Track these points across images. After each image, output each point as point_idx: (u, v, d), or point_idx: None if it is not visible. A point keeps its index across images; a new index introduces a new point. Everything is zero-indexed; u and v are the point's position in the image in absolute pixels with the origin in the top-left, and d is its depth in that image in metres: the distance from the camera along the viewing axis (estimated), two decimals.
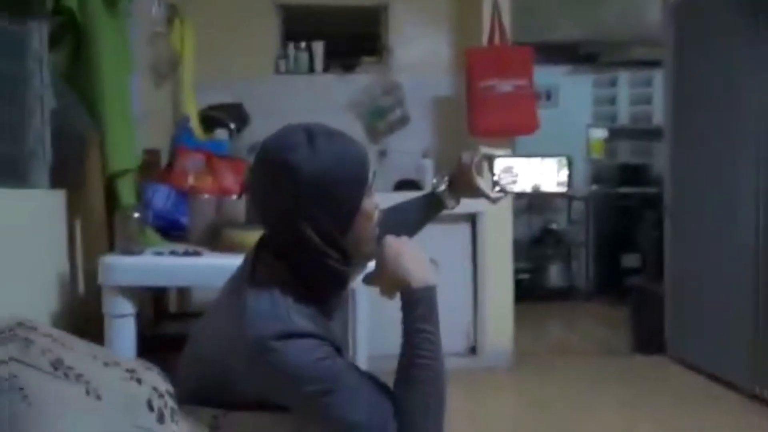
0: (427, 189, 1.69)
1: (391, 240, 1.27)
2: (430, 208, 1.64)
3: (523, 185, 1.55)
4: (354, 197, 1.21)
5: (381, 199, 1.62)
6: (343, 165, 1.18)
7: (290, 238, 1.21)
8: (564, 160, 1.55)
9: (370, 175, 1.23)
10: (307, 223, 1.18)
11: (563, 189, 1.54)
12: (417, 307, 1.23)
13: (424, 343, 1.21)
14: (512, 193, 1.57)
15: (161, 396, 1.23)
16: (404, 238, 1.29)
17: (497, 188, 1.58)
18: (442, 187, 1.60)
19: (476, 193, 1.56)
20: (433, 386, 1.20)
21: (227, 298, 1.27)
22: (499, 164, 1.55)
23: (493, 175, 1.55)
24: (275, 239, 1.25)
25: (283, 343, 1.13)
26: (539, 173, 1.56)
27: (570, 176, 1.51)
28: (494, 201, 1.58)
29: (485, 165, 1.56)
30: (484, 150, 1.55)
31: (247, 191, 1.27)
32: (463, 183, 1.57)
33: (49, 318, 1.85)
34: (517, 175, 1.56)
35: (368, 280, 1.31)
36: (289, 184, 1.17)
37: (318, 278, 1.23)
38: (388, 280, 1.26)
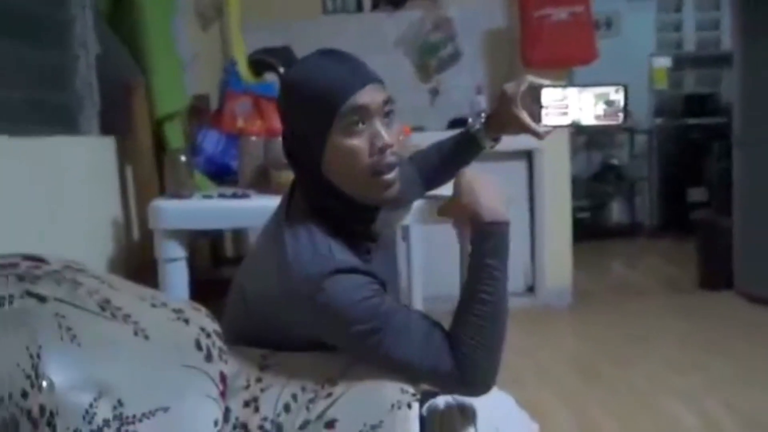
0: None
1: (467, 171, 1.24)
2: (464, 149, 1.52)
3: (563, 119, 1.39)
4: (316, 121, 1.13)
5: (433, 139, 1.54)
6: (310, 83, 1.13)
7: (287, 155, 1.22)
8: (616, 90, 1.40)
9: (345, 106, 1.11)
10: (287, 143, 1.20)
11: (611, 122, 1.32)
12: (486, 241, 1.17)
13: (487, 278, 1.15)
14: (557, 126, 1.41)
15: (209, 335, 1.22)
16: (481, 171, 1.24)
17: (544, 122, 1.40)
18: (477, 126, 1.48)
19: (521, 127, 1.41)
20: (491, 323, 1.13)
21: (267, 240, 1.24)
22: (547, 95, 1.40)
23: (540, 107, 1.39)
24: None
25: (329, 280, 1.10)
26: (578, 106, 1.40)
27: (626, 107, 1.33)
28: (541, 136, 1.42)
29: (528, 97, 1.41)
30: (531, 79, 1.41)
31: None
32: (505, 117, 1.42)
33: (105, 262, 1.88)
34: (567, 107, 1.42)
35: (442, 211, 1.27)
36: (280, 95, 1.20)
37: (328, 207, 1.19)
38: (460, 211, 1.22)
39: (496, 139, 1.50)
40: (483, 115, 1.50)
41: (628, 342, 3.29)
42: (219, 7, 3.20)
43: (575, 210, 5.28)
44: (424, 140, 2.91)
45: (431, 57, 4.20)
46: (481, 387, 1.14)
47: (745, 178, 3.93)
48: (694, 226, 4.35)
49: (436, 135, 3.76)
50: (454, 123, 4.04)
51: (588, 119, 1.38)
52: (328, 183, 1.17)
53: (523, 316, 3.63)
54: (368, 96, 1.13)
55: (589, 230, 5.52)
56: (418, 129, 3.95)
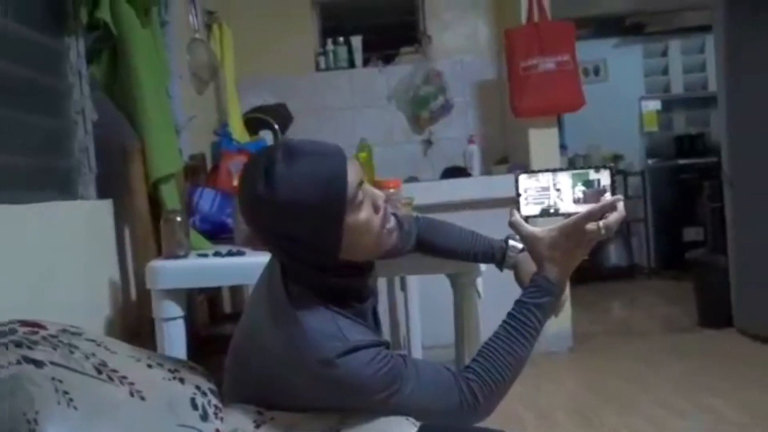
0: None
1: (572, 227, 1.23)
2: (479, 257, 1.57)
3: (537, 208, 1.29)
4: (327, 221, 1.13)
5: (427, 189, 1.54)
6: (306, 192, 1.10)
7: (281, 262, 1.23)
8: (597, 171, 1.32)
9: (349, 191, 1.13)
10: (286, 252, 1.18)
11: (592, 206, 1.24)
12: (543, 297, 1.25)
13: (531, 328, 1.24)
14: (530, 216, 1.30)
15: (204, 394, 1.25)
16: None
17: (522, 212, 1.32)
18: (508, 259, 1.51)
19: (509, 225, 1.35)
20: (518, 367, 1.23)
21: (271, 320, 1.23)
22: (524, 182, 1.30)
23: (517, 194, 1.31)
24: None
25: (343, 360, 1.13)
26: (555, 189, 1.29)
27: (613, 188, 1.22)
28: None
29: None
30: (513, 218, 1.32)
31: None
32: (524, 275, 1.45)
33: (104, 322, 1.91)
34: (545, 194, 1.29)
35: (521, 230, 1.29)
36: (256, 218, 1.17)
37: (330, 293, 1.20)
38: (535, 249, 1.26)
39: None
40: (521, 248, 1.48)
41: (630, 385, 3.28)
42: (214, 69, 3.29)
43: None
44: (418, 190, 2.97)
45: (423, 109, 4.29)
46: (486, 416, 1.24)
47: (737, 217, 3.97)
48: (691, 265, 4.37)
49: (430, 185, 3.82)
50: (448, 172, 4.12)
51: (566, 204, 1.28)
52: (345, 263, 1.20)
53: None
54: (352, 169, 1.16)
55: (587, 273, 5.53)
56: (413, 179, 4.02)
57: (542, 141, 3.81)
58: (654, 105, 6.23)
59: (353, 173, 1.15)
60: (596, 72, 6.17)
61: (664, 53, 6.32)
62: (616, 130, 6.00)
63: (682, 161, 5.93)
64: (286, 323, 1.18)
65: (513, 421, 2.87)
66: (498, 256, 1.53)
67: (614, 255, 5.88)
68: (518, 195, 1.31)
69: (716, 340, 3.89)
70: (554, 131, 3.88)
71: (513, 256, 1.51)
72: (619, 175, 5.94)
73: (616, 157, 5.94)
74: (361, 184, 1.17)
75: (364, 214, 1.17)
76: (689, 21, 5.85)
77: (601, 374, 3.49)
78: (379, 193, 1.21)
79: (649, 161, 6.07)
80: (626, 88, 6.17)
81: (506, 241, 1.53)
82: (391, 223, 1.23)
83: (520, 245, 1.48)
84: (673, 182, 5.91)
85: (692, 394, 3.08)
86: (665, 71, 6.35)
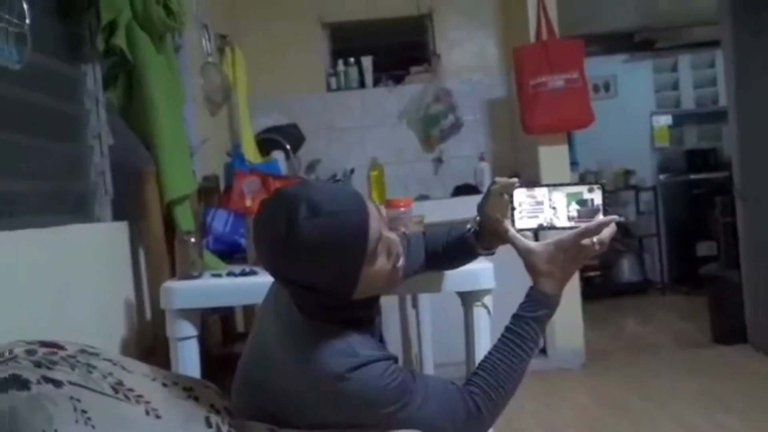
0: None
1: (568, 242, 1.28)
2: (461, 249, 1.52)
3: (534, 221, 1.32)
4: (345, 276, 1.16)
5: (438, 207, 1.55)
6: (327, 251, 1.12)
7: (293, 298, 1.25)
8: (591, 189, 1.34)
9: (369, 249, 1.15)
10: (299, 293, 1.22)
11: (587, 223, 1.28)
12: (540, 309, 1.29)
13: (529, 340, 1.28)
14: (527, 229, 1.33)
15: (218, 412, 1.28)
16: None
17: (518, 225, 1.34)
18: (471, 232, 1.46)
19: (502, 240, 1.38)
20: (518, 377, 1.28)
21: (281, 334, 1.27)
22: (519, 195, 1.34)
23: (512, 208, 1.33)
24: None
25: (354, 374, 1.16)
26: (550, 207, 1.32)
27: (605, 206, 1.23)
28: (521, 251, 1.34)
29: (502, 200, 1.36)
30: (498, 180, 1.37)
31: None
32: (488, 232, 1.42)
33: (119, 342, 1.94)
34: (541, 208, 1.31)
35: (518, 242, 1.32)
36: (272, 262, 1.20)
37: (341, 320, 1.23)
38: (532, 261, 1.29)
39: (489, 248, 1.48)
40: (477, 219, 1.45)
41: (644, 402, 3.27)
42: (227, 91, 3.34)
43: (586, 270, 5.29)
44: (429, 208, 2.99)
45: (433, 128, 4.33)
46: (488, 428, 1.27)
47: (749, 232, 3.96)
48: (704, 280, 4.36)
49: (441, 203, 3.84)
50: (459, 190, 4.14)
51: (561, 221, 1.31)
52: (355, 301, 1.22)
53: (536, 378, 3.62)
54: (374, 218, 1.17)
55: (600, 289, 5.53)
56: (424, 197, 4.05)
57: (553, 158, 3.84)
58: (665, 120, 6.23)
59: (374, 228, 1.16)
60: (606, 88, 6.19)
61: (674, 68, 6.33)
62: (628, 146, 6.01)
63: (693, 176, 5.92)
64: (297, 340, 1.22)
65: None
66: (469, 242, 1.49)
67: (627, 271, 5.86)
68: (513, 208, 1.34)
69: (730, 356, 3.87)
70: (564, 148, 3.90)
71: (471, 235, 1.47)
72: (631, 190, 5.94)
73: (628, 173, 5.94)
74: (380, 238, 1.18)
75: (380, 262, 1.20)
76: (699, 36, 5.86)
77: (615, 391, 3.48)
78: (394, 239, 1.23)
79: (661, 176, 6.06)
80: (637, 104, 6.18)
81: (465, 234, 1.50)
82: (401, 261, 1.25)
83: (473, 227, 1.46)
84: (685, 197, 5.90)
85: (706, 410, 3.06)
86: (675, 86, 6.35)
